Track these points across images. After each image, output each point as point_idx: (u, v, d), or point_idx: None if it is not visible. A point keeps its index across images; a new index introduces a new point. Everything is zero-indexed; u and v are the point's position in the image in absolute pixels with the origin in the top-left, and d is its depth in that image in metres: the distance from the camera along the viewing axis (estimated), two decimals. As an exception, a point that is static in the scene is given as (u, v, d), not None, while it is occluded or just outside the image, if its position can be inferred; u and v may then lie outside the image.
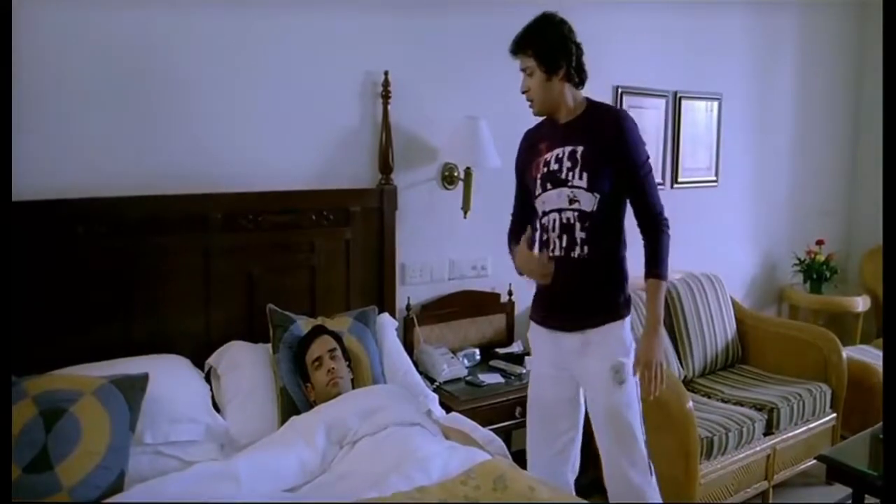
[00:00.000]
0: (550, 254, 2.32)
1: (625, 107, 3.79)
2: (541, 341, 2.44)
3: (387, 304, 3.02)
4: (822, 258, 4.52)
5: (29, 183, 2.27)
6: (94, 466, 1.96)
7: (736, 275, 4.41)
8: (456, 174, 3.23)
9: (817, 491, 3.55)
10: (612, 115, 2.32)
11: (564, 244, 2.29)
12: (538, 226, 2.39)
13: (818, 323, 4.28)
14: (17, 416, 1.92)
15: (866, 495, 2.62)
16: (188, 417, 2.27)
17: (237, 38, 2.69)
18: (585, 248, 2.27)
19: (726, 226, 4.41)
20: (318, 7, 2.84)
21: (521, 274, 2.42)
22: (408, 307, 3.14)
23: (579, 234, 2.27)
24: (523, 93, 2.35)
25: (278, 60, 2.79)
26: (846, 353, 3.67)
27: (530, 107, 2.37)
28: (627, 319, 2.32)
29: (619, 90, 3.76)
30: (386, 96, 2.95)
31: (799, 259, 4.58)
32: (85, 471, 1.94)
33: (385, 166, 2.99)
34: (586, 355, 2.30)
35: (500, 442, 2.50)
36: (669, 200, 4.02)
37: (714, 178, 4.32)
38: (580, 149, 2.25)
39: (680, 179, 4.12)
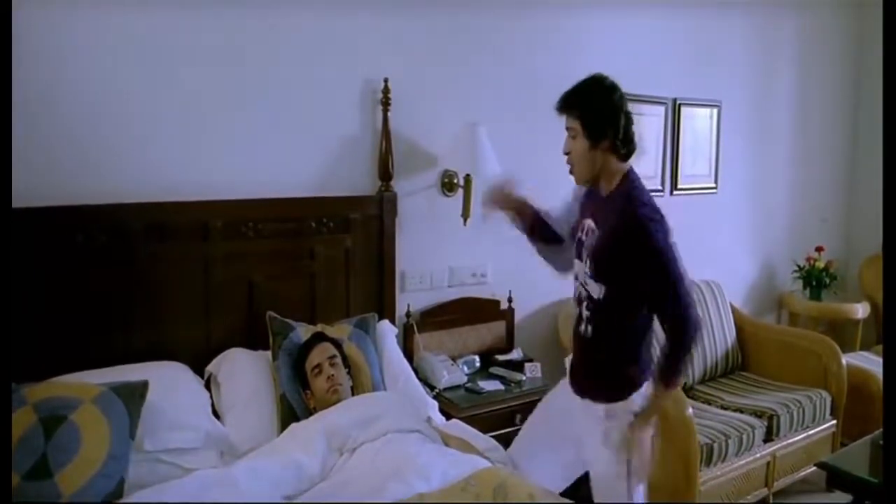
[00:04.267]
0: (574, 323, 2.29)
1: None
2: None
3: (386, 312, 3.02)
4: (821, 265, 4.52)
5: (28, 189, 2.26)
6: (93, 474, 1.95)
7: (735, 282, 4.41)
8: (455, 181, 3.24)
9: (817, 497, 3.55)
10: (630, 210, 2.08)
11: (576, 316, 2.27)
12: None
13: (818, 330, 4.29)
14: (16, 424, 1.92)
15: (866, 502, 2.62)
16: (188, 425, 2.26)
17: (238, 45, 2.70)
18: (589, 328, 2.21)
19: (726, 232, 4.42)
20: (318, 15, 2.85)
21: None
22: (407, 314, 3.14)
23: (585, 312, 2.22)
24: (565, 154, 2.18)
25: (278, 68, 2.80)
26: (846, 359, 3.67)
27: (570, 172, 2.20)
28: (633, 396, 2.18)
29: (619, 97, 3.76)
30: (386, 103, 2.96)
31: (798, 266, 4.58)
32: (84, 478, 1.94)
33: (385, 173, 3.00)
34: (587, 414, 2.23)
35: (500, 449, 2.49)
36: (669, 207, 4.04)
37: (714, 185, 4.32)
38: (597, 233, 2.15)
39: (679, 186, 4.13)
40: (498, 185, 2.40)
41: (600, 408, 2.20)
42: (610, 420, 2.18)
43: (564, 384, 2.40)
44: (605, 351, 2.22)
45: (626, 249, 2.06)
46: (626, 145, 2.13)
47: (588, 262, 2.15)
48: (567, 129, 2.17)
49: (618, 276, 2.11)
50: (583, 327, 2.23)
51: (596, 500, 2.26)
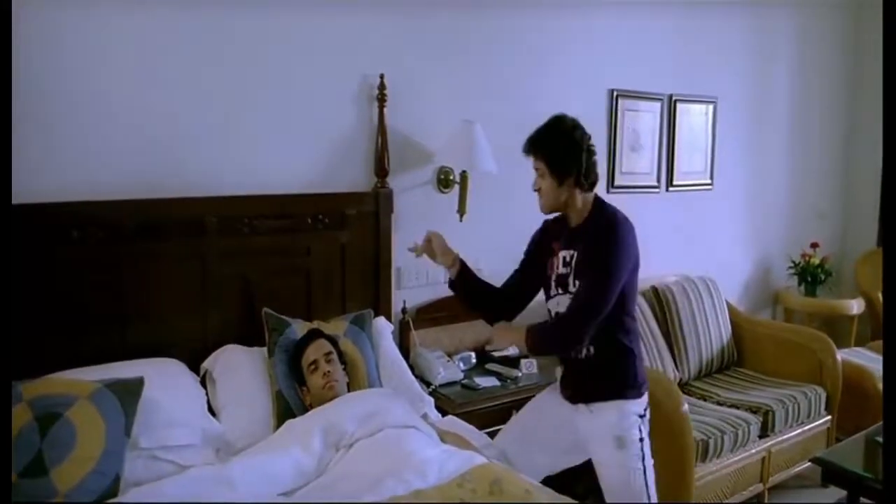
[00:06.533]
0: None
1: (620, 110, 3.80)
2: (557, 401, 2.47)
3: (382, 308, 3.02)
4: (816, 261, 4.54)
5: (24, 186, 2.25)
6: (88, 471, 1.95)
7: (731, 278, 4.42)
8: (451, 177, 3.23)
9: (812, 493, 3.56)
10: (606, 221, 2.28)
11: None
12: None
13: (813, 326, 4.30)
14: (12, 421, 1.91)
15: (861, 497, 2.63)
16: (184, 422, 2.26)
17: (233, 41, 2.69)
18: (591, 349, 2.30)
19: (721, 229, 4.42)
20: (314, 10, 2.84)
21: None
22: (403, 310, 3.13)
23: None
24: (535, 190, 2.35)
25: (274, 64, 2.79)
26: (840, 355, 3.68)
27: (540, 205, 2.36)
28: (635, 401, 2.32)
29: (615, 93, 3.77)
30: (382, 100, 2.95)
31: (793, 262, 4.59)
32: (80, 476, 1.93)
33: (381, 170, 2.99)
34: (593, 431, 2.33)
35: (496, 446, 2.50)
36: (664, 203, 4.08)
37: (709, 182, 4.33)
38: (574, 254, 2.29)
39: (675, 182, 4.13)
40: (429, 237, 2.54)
41: (607, 406, 2.31)
42: (618, 427, 2.30)
43: (555, 392, 2.50)
44: (610, 360, 2.32)
45: (602, 248, 2.22)
46: (588, 178, 2.29)
47: (573, 282, 2.28)
48: (535, 168, 2.33)
49: None
50: (583, 353, 2.32)
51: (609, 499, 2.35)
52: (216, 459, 2.25)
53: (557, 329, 2.31)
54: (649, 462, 2.32)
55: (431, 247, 2.50)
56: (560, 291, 2.33)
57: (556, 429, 2.44)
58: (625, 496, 2.30)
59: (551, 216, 2.43)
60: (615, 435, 2.28)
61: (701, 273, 3.98)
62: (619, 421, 2.29)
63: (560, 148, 2.26)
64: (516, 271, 2.55)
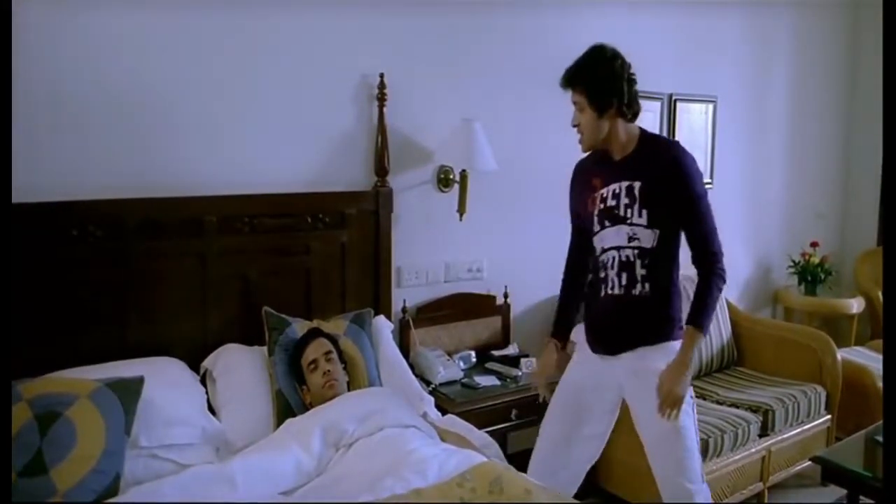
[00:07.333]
0: (609, 292, 2.32)
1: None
2: (591, 359, 2.42)
3: (382, 307, 3.02)
4: (816, 260, 4.54)
5: (24, 185, 2.25)
6: (88, 470, 1.95)
7: (731, 277, 4.36)
8: (451, 176, 3.23)
9: (812, 492, 3.56)
10: (668, 149, 2.27)
11: (624, 282, 2.28)
12: (597, 263, 2.37)
13: (813, 325, 4.30)
14: (12, 420, 1.91)
15: (861, 496, 2.63)
16: (184, 420, 2.26)
17: (232, 40, 2.69)
18: (646, 286, 2.26)
19: (721, 228, 4.37)
20: (313, 9, 2.84)
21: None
22: (403, 310, 3.13)
23: (640, 272, 2.26)
24: (574, 126, 2.29)
25: (273, 63, 2.79)
26: (840, 354, 3.68)
27: (580, 141, 2.31)
28: (680, 342, 2.29)
29: (614, 93, 3.76)
30: (381, 99, 2.95)
31: (793, 261, 4.59)
32: (80, 475, 1.93)
33: (380, 169, 2.99)
34: (638, 374, 2.30)
35: (496, 445, 2.50)
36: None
37: (709, 181, 4.32)
38: (637, 184, 2.22)
39: (675, 182, 4.12)
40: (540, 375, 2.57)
41: (654, 349, 2.28)
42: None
43: (579, 365, 2.48)
44: (659, 300, 2.29)
45: (679, 180, 2.20)
46: (631, 108, 2.25)
47: (638, 212, 2.22)
48: (573, 102, 2.27)
49: (671, 216, 2.23)
50: (637, 289, 2.27)
51: (657, 453, 2.34)
52: (216, 458, 2.25)
53: (709, 285, 2.28)
54: (694, 403, 2.33)
55: (545, 371, 2.54)
56: (609, 224, 2.27)
57: (592, 406, 2.42)
58: (675, 440, 2.28)
59: (582, 157, 2.41)
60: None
61: (701, 272, 3.97)
62: (669, 363, 2.25)
63: (599, 77, 2.21)
64: (573, 240, 2.50)
